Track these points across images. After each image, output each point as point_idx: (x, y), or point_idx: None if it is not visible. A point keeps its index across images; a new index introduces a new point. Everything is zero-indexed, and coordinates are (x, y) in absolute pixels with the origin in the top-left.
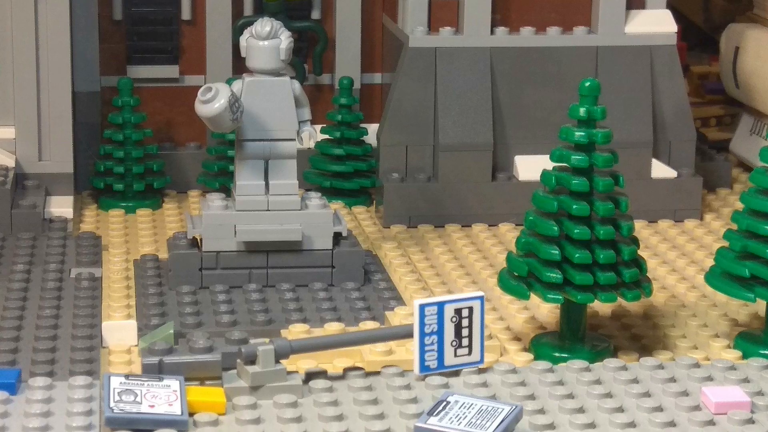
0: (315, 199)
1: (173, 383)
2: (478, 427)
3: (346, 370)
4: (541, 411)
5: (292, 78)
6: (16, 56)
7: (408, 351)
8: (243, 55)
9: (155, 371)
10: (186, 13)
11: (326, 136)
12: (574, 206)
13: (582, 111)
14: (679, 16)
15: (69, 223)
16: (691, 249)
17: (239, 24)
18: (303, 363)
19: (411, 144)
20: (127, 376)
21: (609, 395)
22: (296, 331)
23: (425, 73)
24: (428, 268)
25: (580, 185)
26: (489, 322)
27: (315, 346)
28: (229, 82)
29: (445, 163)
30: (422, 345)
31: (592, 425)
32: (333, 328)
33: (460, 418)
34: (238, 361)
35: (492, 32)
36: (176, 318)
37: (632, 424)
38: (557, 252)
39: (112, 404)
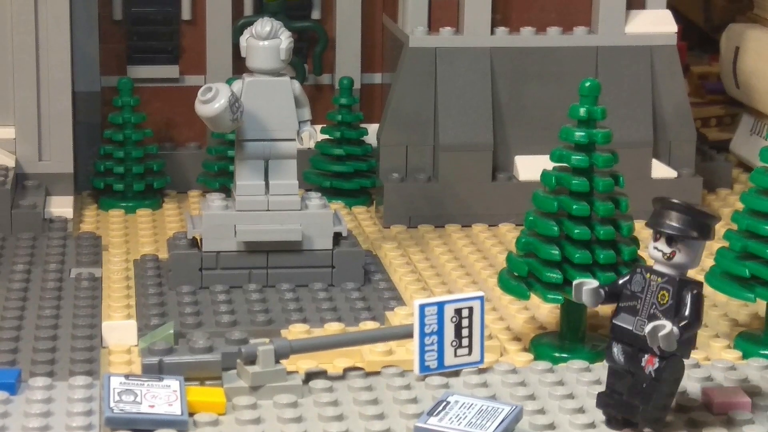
0: (315, 199)
1: (173, 383)
2: (478, 427)
3: (346, 370)
4: (541, 411)
5: (292, 78)
6: (16, 56)
7: (408, 351)
8: (243, 55)
9: (155, 371)
10: (186, 13)
11: (326, 136)
12: (575, 206)
13: (582, 111)
14: (679, 16)
15: (69, 223)
16: None
17: (239, 24)
18: (303, 363)
19: (411, 144)
20: (127, 376)
21: None
22: (296, 331)
23: (425, 73)
24: (428, 268)
25: (580, 185)
26: (489, 322)
27: (315, 346)
28: (229, 82)
29: (445, 163)
30: (422, 345)
31: (592, 425)
32: (333, 328)
33: (460, 418)
34: (238, 361)
35: (492, 32)
36: (176, 318)
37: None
38: (557, 252)
39: (112, 404)
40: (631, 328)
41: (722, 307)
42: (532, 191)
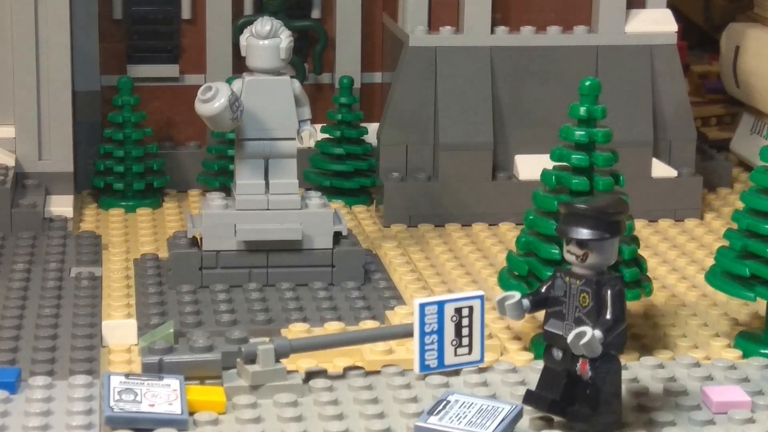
0: (315, 198)
1: (173, 382)
2: (478, 427)
3: (346, 369)
4: None
5: (292, 77)
6: (16, 56)
7: (408, 350)
8: (243, 54)
9: (155, 370)
10: (186, 13)
11: (326, 136)
12: None
13: (582, 110)
14: (679, 16)
15: (69, 222)
16: (692, 248)
17: (239, 23)
18: (303, 362)
19: (411, 143)
20: (127, 376)
21: None
22: (296, 331)
23: (425, 73)
24: (428, 267)
25: (580, 184)
26: (489, 321)
27: (315, 345)
28: (229, 81)
29: (445, 163)
30: (422, 344)
31: None
32: (333, 327)
33: (461, 417)
34: (238, 360)
35: (492, 31)
36: (176, 317)
37: (632, 424)
38: (557, 251)
39: (112, 403)
40: (561, 333)
41: (722, 307)
42: (532, 190)
